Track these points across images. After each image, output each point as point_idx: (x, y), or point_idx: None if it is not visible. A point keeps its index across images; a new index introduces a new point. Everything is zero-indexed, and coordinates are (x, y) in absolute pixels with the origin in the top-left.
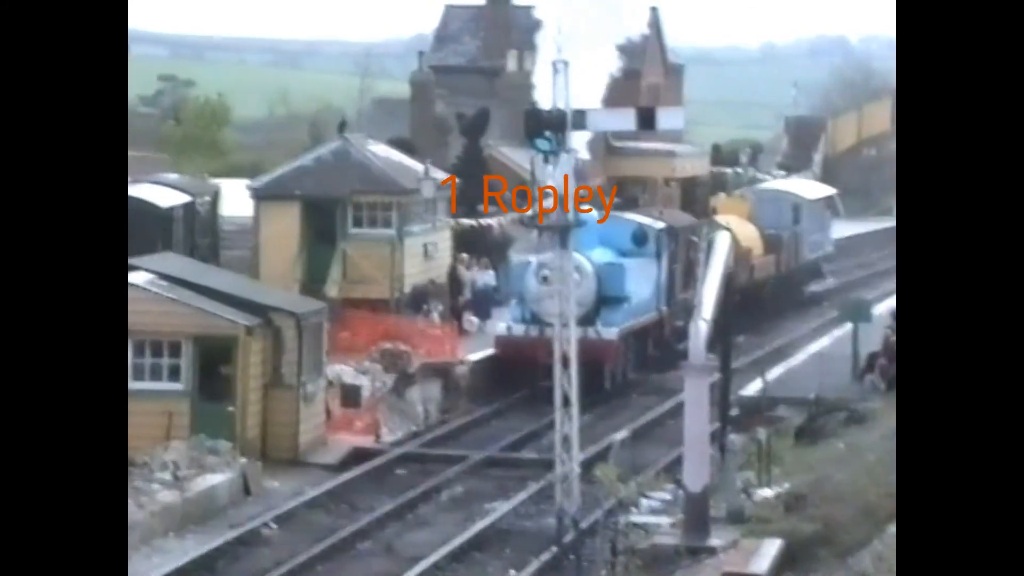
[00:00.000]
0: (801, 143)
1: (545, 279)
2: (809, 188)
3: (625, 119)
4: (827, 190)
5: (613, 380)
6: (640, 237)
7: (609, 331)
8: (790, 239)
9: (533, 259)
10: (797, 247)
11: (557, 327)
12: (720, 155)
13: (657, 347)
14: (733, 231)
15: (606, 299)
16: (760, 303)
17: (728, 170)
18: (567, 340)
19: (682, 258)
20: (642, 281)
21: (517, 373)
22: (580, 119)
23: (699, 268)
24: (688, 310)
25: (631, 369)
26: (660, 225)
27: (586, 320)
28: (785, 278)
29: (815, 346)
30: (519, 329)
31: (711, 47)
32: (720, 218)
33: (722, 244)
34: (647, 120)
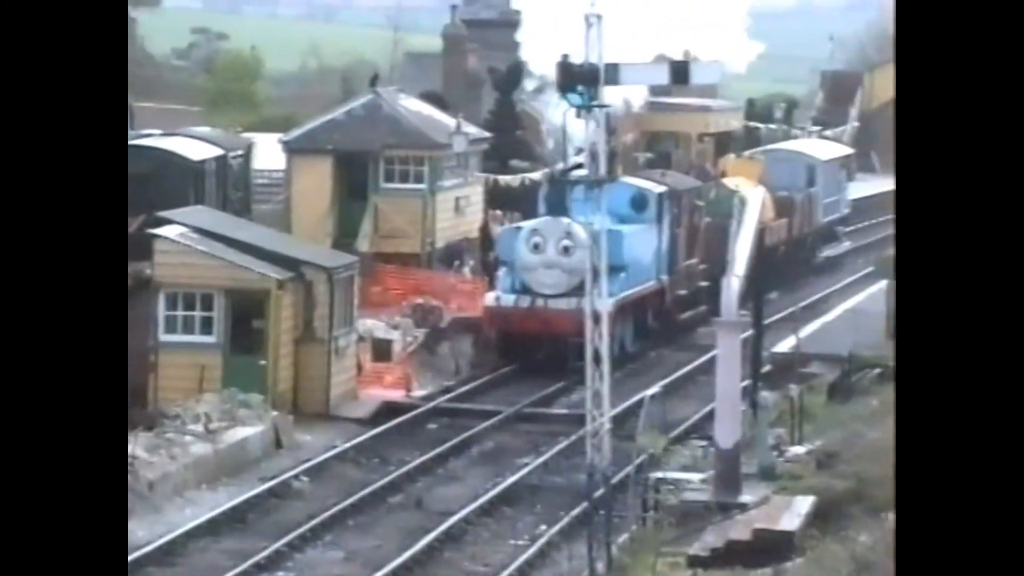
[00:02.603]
0: (837, 98)
1: (536, 247)
2: (824, 148)
3: (659, 73)
4: (843, 150)
5: (609, 354)
6: (639, 202)
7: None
8: (803, 201)
9: (524, 225)
10: (811, 210)
11: (588, 282)
12: (754, 110)
13: (657, 318)
14: (742, 194)
15: None
16: (772, 269)
17: (762, 126)
18: (598, 296)
19: (685, 223)
20: (641, 248)
21: (510, 346)
22: (613, 73)
23: (702, 233)
24: (691, 277)
25: (630, 342)
26: (661, 189)
27: (580, 290)
28: (798, 242)
29: (849, 302)
30: (509, 299)
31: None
32: (728, 181)
33: (755, 200)
34: (681, 74)
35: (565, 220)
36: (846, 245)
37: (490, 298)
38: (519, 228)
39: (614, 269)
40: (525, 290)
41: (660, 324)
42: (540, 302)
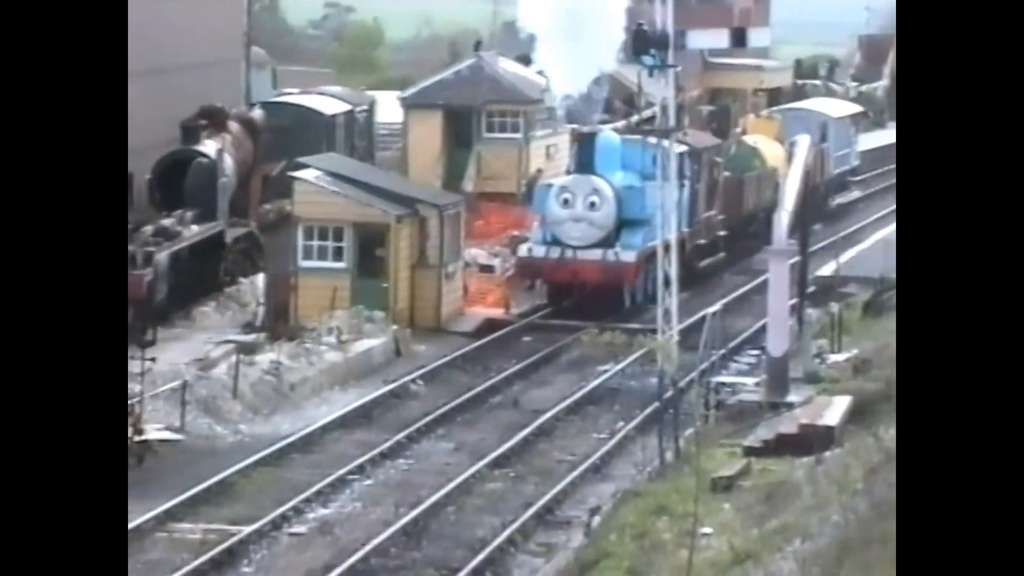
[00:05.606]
0: (872, 58)
1: (566, 202)
2: (836, 106)
3: (720, 38)
4: (853, 108)
5: (632, 300)
6: None
7: (627, 254)
8: (816, 156)
9: (555, 182)
10: (823, 163)
11: (659, 218)
12: (802, 69)
13: (678, 267)
14: (759, 150)
15: (626, 222)
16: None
17: (808, 82)
18: (668, 229)
19: (705, 178)
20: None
21: (544, 293)
22: (681, 38)
23: (721, 187)
24: (711, 228)
25: (651, 288)
26: (681, 148)
27: (605, 243)
28: (811, 191)
29: (881, 233)
30: (540, 251)
31: None
32: (748, 138)
33: (802, 145)
34: (739, 39)
35: (592, 177)
36: (855, 194)
37: (523, 249)
38: (551, 185)
39: (637, 223)
40: (555, 242)
41: (680, 272)
42: (569, 253)
